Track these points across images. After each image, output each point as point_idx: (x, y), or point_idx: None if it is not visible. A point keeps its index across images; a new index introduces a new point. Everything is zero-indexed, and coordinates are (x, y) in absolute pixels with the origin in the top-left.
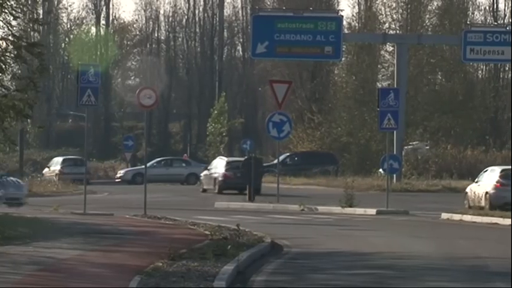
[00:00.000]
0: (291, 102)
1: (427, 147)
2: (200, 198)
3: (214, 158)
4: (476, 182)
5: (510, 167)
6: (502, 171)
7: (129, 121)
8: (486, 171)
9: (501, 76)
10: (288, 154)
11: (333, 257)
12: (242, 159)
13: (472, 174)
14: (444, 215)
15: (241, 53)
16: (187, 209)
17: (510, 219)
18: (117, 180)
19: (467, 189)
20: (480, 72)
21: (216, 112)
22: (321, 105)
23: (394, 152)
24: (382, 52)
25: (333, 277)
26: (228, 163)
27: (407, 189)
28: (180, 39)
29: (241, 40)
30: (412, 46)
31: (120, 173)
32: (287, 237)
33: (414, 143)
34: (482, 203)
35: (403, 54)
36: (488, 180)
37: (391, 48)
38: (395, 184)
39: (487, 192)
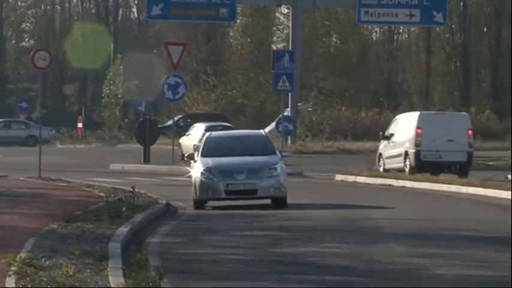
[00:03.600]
0: (186, 64)
1: (310, 109)
2: (94, 161)
3: (110, 120)
4: (388, 139)
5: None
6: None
7: (23, 83)
8: (395, 120)
9: (395, 38)
10: (180, 116)
11: (229, 219)
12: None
13: (367, 136)
14: (338, 177)
15: (136, 14)
16: (82, 171)
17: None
18: None
19: (380, 150)
20: (374, 34)
21: (111, 74)
22: (216, 68)
23: (289, 114)
24: (277, 14)
25: (227, 238)
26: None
27: (302, 150)
28: (74, 0)
29: (136, 2)
30: (307, 8)
31: None
32: (182, 199)
33: (298, 104)
34: (401, 165)
35: (298, 16)
36: (405, 136)
37: (286, 11)
38: (290, 146)
39: (406, 153)
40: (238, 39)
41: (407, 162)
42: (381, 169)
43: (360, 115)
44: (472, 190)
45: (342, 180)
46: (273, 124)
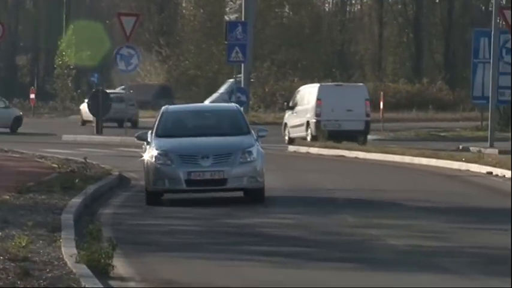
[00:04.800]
0: (138, 35)
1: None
2: (47, 132)
3: (62, 91)
4: (292, 109)
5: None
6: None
7: None
8: (298, 91)
9: (348, 9)
10: (123, 87)
11: None
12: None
13: None
14: (291, 148)
15: None
16: (35, 142)
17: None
18: None
19: (286, 120)
20: (327, 5)
21: (63, 45)
22: (169, 39)
23: (242, 85)
24: None
25: (180, 209)
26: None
27: (255, 122)
28: None
29: None
30: None
31: None
32: (135, 170)
33: (238, 75)
34: (304, 134)
35: None
36: (307, 106)
37: None
38: None
39: (308, 122)
40: (190, 10)
41: (309, 131)
42: (286, 138)
43: None
44: (424, 161)
45: (295, 151)
46: (220, 91)
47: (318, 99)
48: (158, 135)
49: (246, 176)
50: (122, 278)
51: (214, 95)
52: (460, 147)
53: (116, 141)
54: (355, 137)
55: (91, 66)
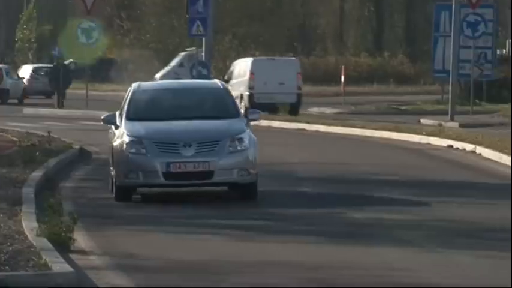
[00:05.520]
0: (100, 9)
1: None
2: (7, 105)
3: (23, 64)
4: (227, 82)
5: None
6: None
7: None
8: (233, 64)
9: None
10: (71, 60)
11: None
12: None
13: None
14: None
15: None
16: None
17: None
18: None
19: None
20: None
21: (24, 19)
22: (130, 12)
23: (203, 59)
24: None
25: None
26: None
27: None
28: None
29: None
30: None
31: None
32: (96, 144)
33: (189, 49)
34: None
35: None
36: (241, 80)
37: None
38: None
39: (242, 95)
40: None
41: (243, 104)
42: None
43: None
44: (385, 134)
45: (256, 125)
46: (172, 64)
47: (251, 73)
48: (129, 118)
49: (236, 168)
50: (82, 252)
51: (166, 68)
52: (421, 120)
53: (77, 114)
54: (289, 110)
55: (52, 39)
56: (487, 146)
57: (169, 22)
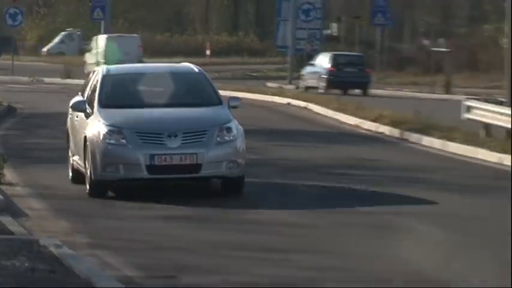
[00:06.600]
0: None
1: (78, 33)
2: None
3: None
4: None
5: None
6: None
7: None
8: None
9: None
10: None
11: (57, 117)
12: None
13: (163, 54)
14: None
15: None
16: None
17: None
18: None
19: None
20: None
21: None
22: (46, 0)
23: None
24: None
25: (55, 132)
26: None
27: None
28: None
29: None
30: None
31: None
32: (21, 102)
33: (69, 29)
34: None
35: None
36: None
37: None
38: None
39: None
40: None
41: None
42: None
43: (155, 38)
44: (240, 94)
45: None
46: (55, 41)
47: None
48: (104, 105)
49: (225, 160)
50: (10, 184)
51: (51, 44)
52: (267, 84)
53: (5, 79)
54: None
55: None
56: (316, 103)
57: (76, 9)
